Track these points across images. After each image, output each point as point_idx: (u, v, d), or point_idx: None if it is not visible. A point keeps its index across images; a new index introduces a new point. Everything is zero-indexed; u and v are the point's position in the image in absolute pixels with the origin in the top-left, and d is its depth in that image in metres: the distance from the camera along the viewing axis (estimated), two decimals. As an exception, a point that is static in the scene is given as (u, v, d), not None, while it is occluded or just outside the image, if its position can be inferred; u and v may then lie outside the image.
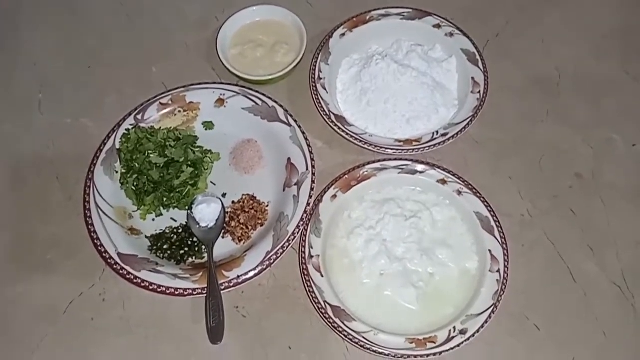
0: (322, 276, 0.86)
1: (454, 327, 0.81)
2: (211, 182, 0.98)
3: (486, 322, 0.81)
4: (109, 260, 0.88)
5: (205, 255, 0.91)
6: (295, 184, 0.94)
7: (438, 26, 1.07)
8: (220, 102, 1.02)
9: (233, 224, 0.94)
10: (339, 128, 0.97)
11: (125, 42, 1.15)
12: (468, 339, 0.80)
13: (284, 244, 0.89)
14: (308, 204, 0.91)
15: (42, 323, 0.88)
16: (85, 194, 0.93)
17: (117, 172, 0.97)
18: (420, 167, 0.94)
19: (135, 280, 0.86)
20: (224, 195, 0.97)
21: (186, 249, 0.92)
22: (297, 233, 0.89)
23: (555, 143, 1.02)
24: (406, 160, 0.94)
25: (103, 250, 0.88)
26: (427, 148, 0.95)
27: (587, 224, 0.94)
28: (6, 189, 0.99)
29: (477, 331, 0.81)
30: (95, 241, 0.89)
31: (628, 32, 1.13)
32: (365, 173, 0.93)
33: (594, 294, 0.89)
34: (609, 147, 1.01)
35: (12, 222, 0.96)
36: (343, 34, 1.07)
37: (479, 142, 1.02)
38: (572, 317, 0.88)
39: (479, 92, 1.00)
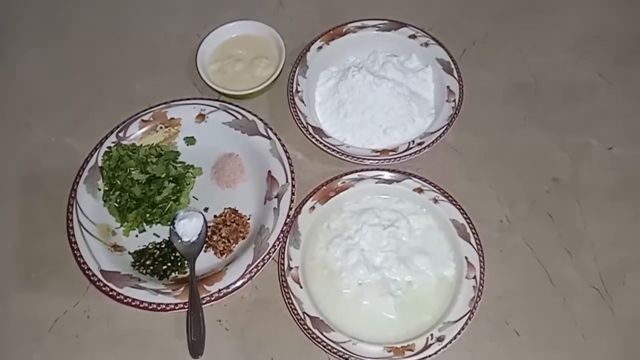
0: (301, 287, 0.87)
1: (432, 335, 0.82)
2: (193, 197, 1.00)
3: (463, 328, 0.82)
4: (92, 278, 0.89)
5: (188, 269, 0.92)
6: (275, 197, 0.95)
7: (413, 36, 1.08)
8: (201, 117, 1.04)
9: (215, 237, 0.95)
10: (317, 140, 0.98)
11: (109, 59, 1.17)
12: (445, 345, 0.81)
13: (265, 256, 0.90)
14: (288, 216, 0.93)
15: (28, 341, 0.89)
16: (68, 212, 0.94)
17: (99, 189, 0.98)
18: (396, 177, 0.95)
19: (118, 297, 0.87)
20: (206, 209, 0.98)
21: (169, 264, 0.93)
22: (278, 245, 0.91)
23: (532, 149, 1.03)
24: (382, 170, 0.95)
25: (86, 267, 0.90)
26: (403, 157, 0.96)
27: (565, 227, 0.95)
28: (-7, 207, 1.01)
29: (454, 338, 0.82)
30: (78, 259, 0.90)
31: (602, 38, 1.14)
32: (343, 184, 0.94)
33: (573, 297, 0.90)
34: (586, 151, 1.02)
35: (-2, 241, 0.98)
36: (320, 47, 1.08)
37: (458, 150, 1.03)
38: (551, 321, 0.88)
39: (454, 100, 1.01)
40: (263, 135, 1.01)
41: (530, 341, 0.87)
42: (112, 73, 1.15)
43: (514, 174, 1.00)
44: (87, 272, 0.89)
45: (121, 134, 1.02)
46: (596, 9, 1.19)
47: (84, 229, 0.93)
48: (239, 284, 0.88)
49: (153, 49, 1.18)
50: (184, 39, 1.18)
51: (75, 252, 0.91)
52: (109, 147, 1.00)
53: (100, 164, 0.99)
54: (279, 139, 1.00)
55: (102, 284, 0.88)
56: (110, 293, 0.87)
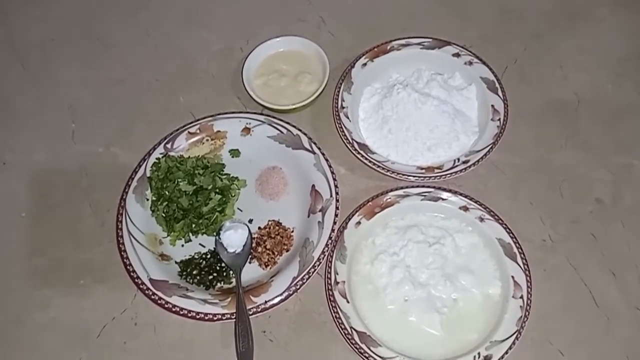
0: (348, 302, 0.88)
1: (479, 353, 0.83)
2: (238, 209, 1.01)
3: (510, 348, 0.83)
4: (141, 286, 0.90)
5: (233, 280, 0.93)
6: (319, 210, 0.96)
7: (457, 55, 1.09)
8: (246, 130, 1.06)
9: (259, 249, 0.96)
10: (362, 155, 0.99)
11: (153, 72, 1.19)
12: (492, 365, 0.82)
13: (310, 269, 0.91)
14: (332, 230, 0.94)
15: (76, 346, 0.91)
16: (117, 221, 0.96)
17: (147, 199, 1.00)
18: (442, 194, 0.96)
19: (166, 306, 0.89)
20: (250, 221, 1.00)
21: (215, 274, 0.94)
22: (322, 259, 0.92)
23: (574, 168, 1.03)
24: (429, 187, 0.96)
25: (135, 276, 0.91)
26: (448, 175, 0.97)
27: (608, 248, 0.96)
28: (41, 215, 1.03)
29: (502, 357, 0.82)
30: (128, 267, 0.92)
31: (642, 58, 1.15)
32: (389, 200, 0.95)
33: (616, 318, 0.90)
34: (628, 171, 1.03)
35: (46, 248, 1.00)
36: (364, 64, 1.10)
37: (500, 168, 1.03)
38: (595, 342, 0.89)
39: (499, 119, 1.02)
40: (307, 150, 1.02)
41: (574, 362, 0.87)
42: (156, 85, 1.17)
43: (557, 194, 1.01)
44: (136, 280, 0.91)
45: (169, 145, 1.04)
46: (636, 27, 1.19)
47: (133, 237, 0.95)
48: (284, 295, 0.89)
49: (196, 62, 1.20)
50: (227, 53, 1.20)
51: (125, 260, 0.93)
52: (158, 158, 1.02)
53: (148, 175, 1.01)
54: (323, 154, 1.02)
55: (151, 293, 0.90)
56: (159, 302, 0.89)
